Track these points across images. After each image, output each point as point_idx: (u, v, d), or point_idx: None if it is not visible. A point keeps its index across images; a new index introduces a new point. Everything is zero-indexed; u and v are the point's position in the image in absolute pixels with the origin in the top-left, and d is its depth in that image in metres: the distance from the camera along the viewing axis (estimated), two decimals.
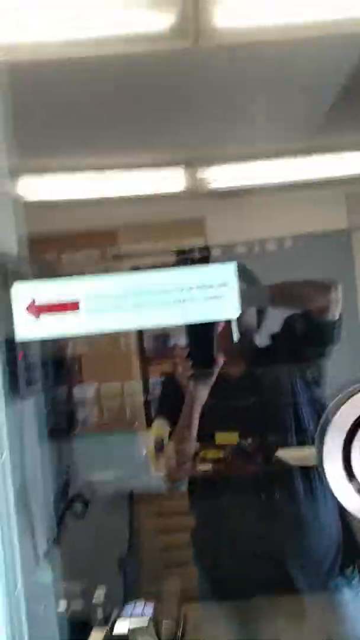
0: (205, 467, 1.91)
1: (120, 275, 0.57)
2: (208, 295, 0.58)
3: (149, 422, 2.49)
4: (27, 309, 0.57)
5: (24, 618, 0.64)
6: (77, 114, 2.09)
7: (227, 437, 1.86)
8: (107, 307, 0.58)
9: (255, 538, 1.64)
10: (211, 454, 1.87)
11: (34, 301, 0.57)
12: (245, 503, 1.74)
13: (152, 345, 2.54)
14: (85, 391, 2.32)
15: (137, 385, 2.44)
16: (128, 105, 2.12)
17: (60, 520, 0.94)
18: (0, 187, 0.85)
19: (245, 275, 1.27)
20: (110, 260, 2.60)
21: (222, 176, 2.67)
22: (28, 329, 0.57)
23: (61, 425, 1.93)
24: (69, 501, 1.00)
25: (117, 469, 2.24)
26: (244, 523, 1.69)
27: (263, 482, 1.75)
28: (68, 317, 0.58)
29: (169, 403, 1.87)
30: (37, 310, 0.57)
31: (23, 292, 0.57)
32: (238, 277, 0.60)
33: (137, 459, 2.36)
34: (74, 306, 0.58)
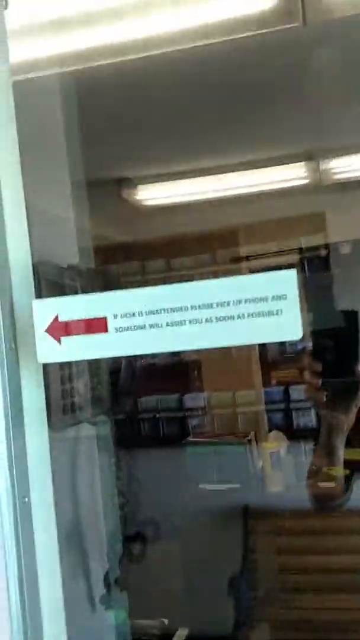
0: (328, 484, 1.72)
1: (152, 289, 0.47)
2: (260, 310, 0.46)
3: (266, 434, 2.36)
4: (48, 329, 0.49)
5: None
6: (184, 117, 2.02)
7: (354, 453, 1.68)
8: (139, 326, 0.48)
9: None
10: (335, 470, 1.69)
11: (56, 320, 0.49)
12: None
13: (272, 350, 2.39)
14: (196, 400, 2.25)
15: (252, 394, 2.31)
16: (237, 100, 2.01)
17: (121, 560, 0.85)
18: (59, 202, 0.81)
19: None
20: (227, 263, 2.50)
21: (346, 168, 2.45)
22: (51, 350, 0.50)
23: (170, 433, 1.88)
24: (126, 541, 0.88)
25: (230, 481, 2.13)
26: None
27: None
28: (95, 338, 0.49)
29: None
30: (60, 330, 0.49)
31: (43, 310, 0.49)
32: None
33: (252, 472, 2.25)
34: (101, 326, 0.49)
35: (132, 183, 2.49)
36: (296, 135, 2.20)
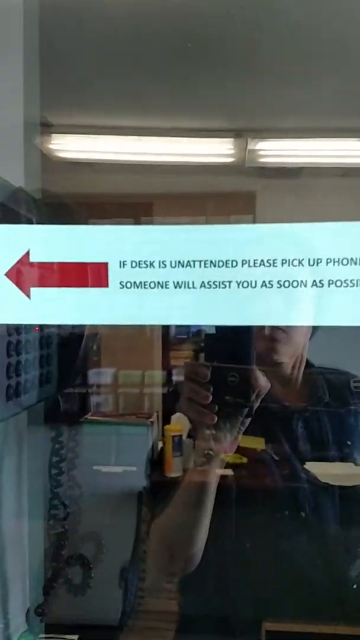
0: (225, 472, 1.64)
1: (182, 228, 0.30)
2: (349, 277, 0.32)
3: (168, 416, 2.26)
4: (11, 273, 0.31)
5: None
6: (115, 66, 1.82)
7: (252, 441, 1.61)
8: (159, 283, 0.32)
9: (276, 558, 1.38)
10: (232, 458, 1.63)
11: (25, 260, 0.32)
12: (267, 519, 1.48)
13: (176, 327, 2.29)
14: (101, 377, 2.08)
15: (159, 373, 2.19)
16: (174, 58, 1.84)
17: (48, 590, 0.69)
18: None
19: None
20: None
21: (275, 151, 2.40)
22: (12, 306, 0.32)
23: (70, 410, 1.71)
24: (64, 563, 0.72)
25: (126, 464, 2.01)
26: (264, 541, 1.44)
27: (289, 496, 1.48)
28: (87, 294, 0.32)
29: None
30: (31, 276, 0.31)
31: (6, 242, 0.31)
32: None
33: (151, 455, 2.14)
34: (98, 276, 0.32)
35: (47, 129, 2.25)
36: (228, 109, 2.10)
